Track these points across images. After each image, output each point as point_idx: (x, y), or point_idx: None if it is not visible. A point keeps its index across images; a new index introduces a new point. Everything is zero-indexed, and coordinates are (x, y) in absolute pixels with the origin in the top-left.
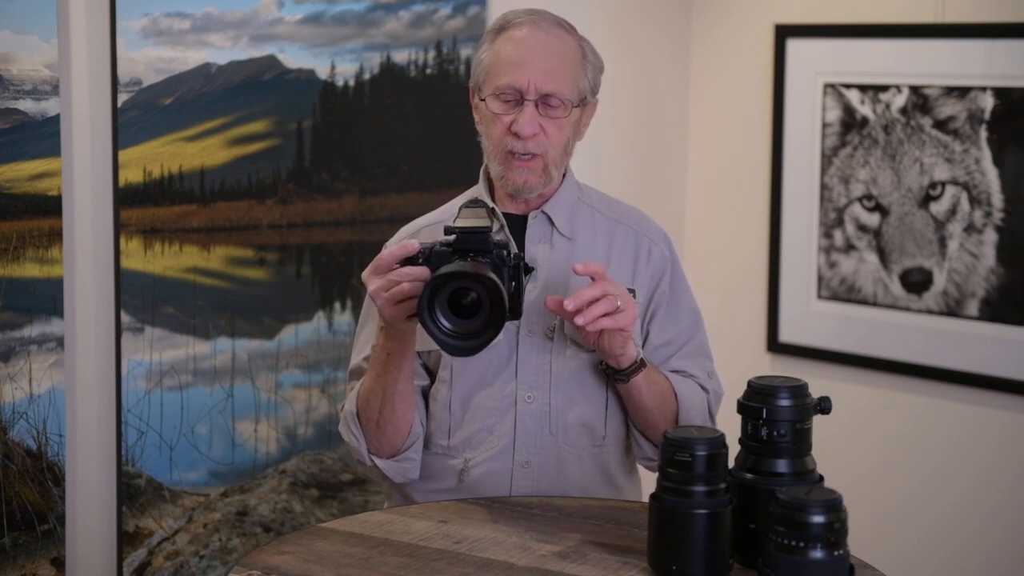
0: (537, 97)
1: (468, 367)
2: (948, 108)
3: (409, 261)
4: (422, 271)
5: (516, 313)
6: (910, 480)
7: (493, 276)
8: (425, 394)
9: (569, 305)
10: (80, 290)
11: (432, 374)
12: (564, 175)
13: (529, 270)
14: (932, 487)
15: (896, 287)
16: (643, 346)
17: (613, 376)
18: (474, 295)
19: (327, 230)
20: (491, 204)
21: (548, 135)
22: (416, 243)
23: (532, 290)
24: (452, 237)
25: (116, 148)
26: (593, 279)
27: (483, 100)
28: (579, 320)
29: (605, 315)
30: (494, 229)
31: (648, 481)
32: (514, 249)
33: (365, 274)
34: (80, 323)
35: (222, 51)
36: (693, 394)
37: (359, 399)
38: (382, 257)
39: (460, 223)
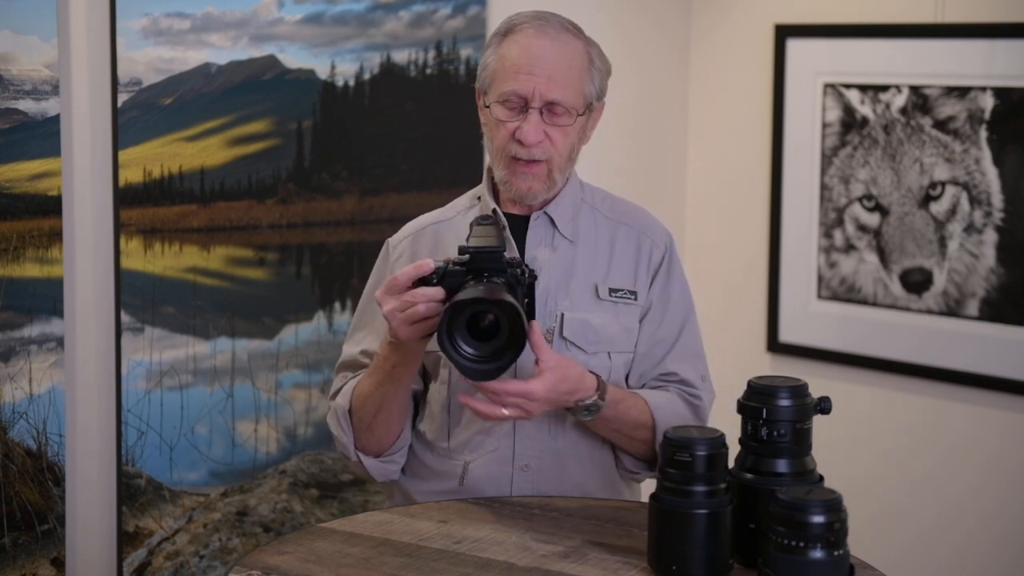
0: (542, 104)
1: None
2: (948, 108)
3: (423, 281)
4: (437, 291)
5: None
6: (910, 480)
7: (512, 300)
8: (416, 397)
9: (480, 407)
10: (80, 290)
11: (427, 376)
12: (567, 177)
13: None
14: (932, 486)
15: (896, 287)
16: (636, 345)
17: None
18: (492, 317)
19: (327, 230)
20: (492, 204)
21: (553, 142)
22: (431, 263)
23: None
24: (466, 257)
25: (116, 148)
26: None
27: (487, 107)
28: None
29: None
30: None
31: (648, 481)
32: (529, 268)
33: (379, 293)
34: (80, 323)
35: (222, 51)
36: (673, 414)
37: (354, 398)
38: (396, 277)
39: (473, 242)
